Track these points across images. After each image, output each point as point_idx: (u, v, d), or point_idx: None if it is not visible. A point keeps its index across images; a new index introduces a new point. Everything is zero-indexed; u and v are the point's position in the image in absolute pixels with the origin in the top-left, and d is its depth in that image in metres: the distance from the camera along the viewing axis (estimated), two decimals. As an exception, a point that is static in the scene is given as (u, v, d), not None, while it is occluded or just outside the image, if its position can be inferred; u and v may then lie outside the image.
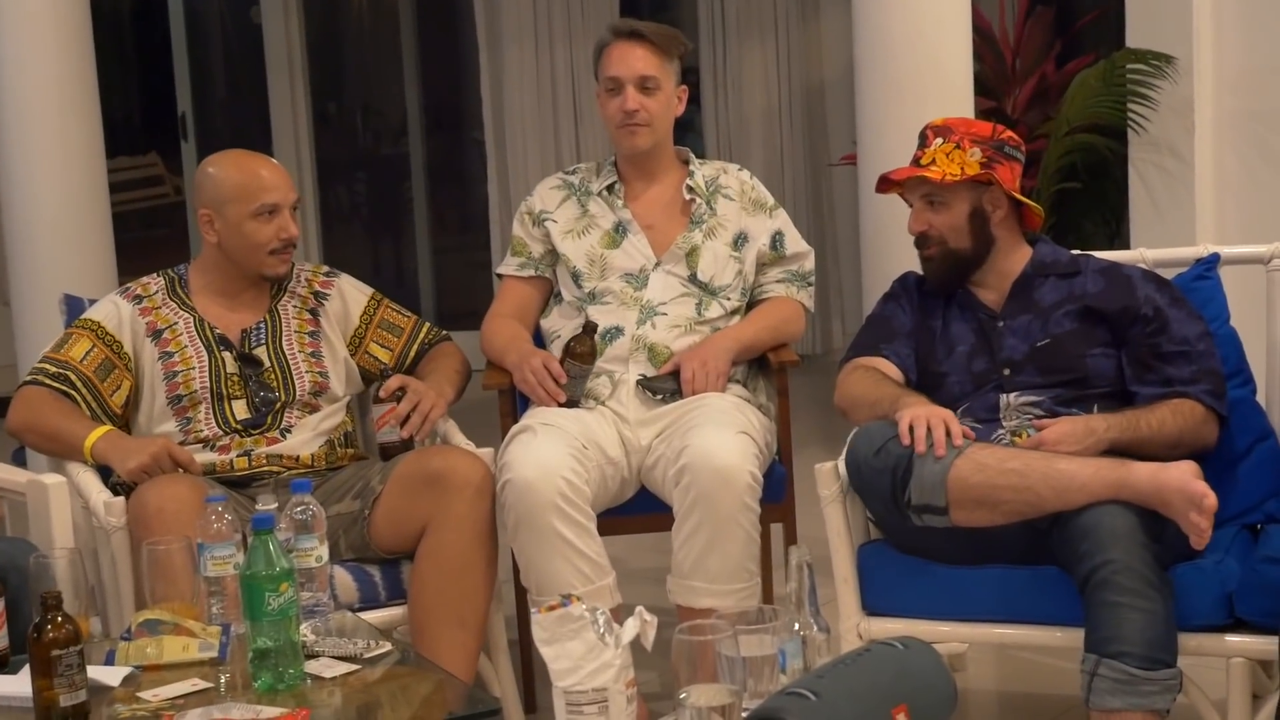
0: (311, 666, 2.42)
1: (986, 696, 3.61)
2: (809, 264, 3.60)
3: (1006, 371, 3.05)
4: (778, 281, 3.57)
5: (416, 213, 7.86)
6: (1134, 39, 4.91)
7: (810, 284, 3.60)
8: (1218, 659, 2.75)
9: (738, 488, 3.11)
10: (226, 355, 3.33)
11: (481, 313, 3.63)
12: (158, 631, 2.49)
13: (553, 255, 3.57)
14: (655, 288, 3.48)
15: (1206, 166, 4.82)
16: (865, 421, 2.98)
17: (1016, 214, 3.16)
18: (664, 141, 3.54)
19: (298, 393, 3.33)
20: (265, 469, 3.26)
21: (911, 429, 2.82)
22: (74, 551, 2.62)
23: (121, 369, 3.31)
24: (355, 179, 8.73)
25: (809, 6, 6.95)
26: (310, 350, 3.39)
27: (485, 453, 3.23)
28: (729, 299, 3.50)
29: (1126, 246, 4.75)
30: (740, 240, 3.53)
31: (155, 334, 3.33)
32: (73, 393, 3.25)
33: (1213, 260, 3.23)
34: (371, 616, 2.96)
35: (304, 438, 3.31)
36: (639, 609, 2.24)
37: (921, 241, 3.15)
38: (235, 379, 3.31)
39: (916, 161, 3.13)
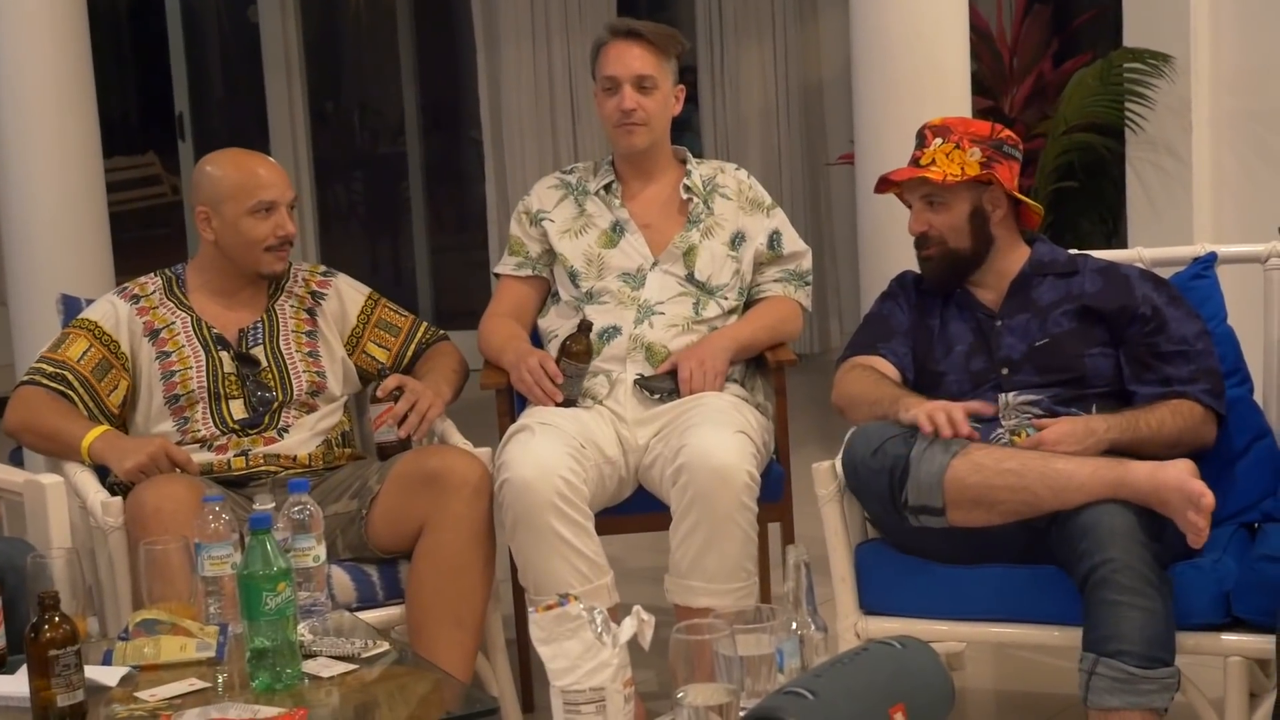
0: (309, 666, 2.42)
1: (984, 696, 3.61)
2: (806, 263, 3.60)
3: (1005, 371, 3.05)
4: (775, 281, 3.57)
5: (414, 212, 7.86)
6: (1131, 38, 4.91)
7: (808, 283, 3.60)
8: (1215, 658, 2.75)
9: (735, 487, 3.11)
10: (224, 355, 3.32)
11: (479, 312, 3.63)
12: (155, 631, 2.49)
13: (550, 255, 3.56)
14: (652, 287, 3.47)
15: (1204, 166, 4.82)
16: (863, 420, 2.98)
17: (1015, 213, 3.16)
18: (661, 141, 3.54)
19: (295, 392, 3.33)
20: (262, 469, 3.25)
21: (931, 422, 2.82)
22: (71, 551, 2.62)
23: (119, 369, 3.31)
24: (353, 178, 8.73)
25: (806, 6, 6.95)
26: (307, 350, 3.39)
27: (483, 452, 3.23)
28: (726, 298, 3.50)
29: (1124, 245, 4.75)
30: (738, 239, 3.53)
31: (152, 334, 3.33)
32: (70, 393, 3.25)
33: (1210, 259, 3.23)
34: (369, 616, 2.96)
35: (301, 437, 3.31)
36: (636, 608, 2.24)
37: (921, 242, 3.15)
38: (232, 379, 3.31)
39: (915, 161, 3.12)
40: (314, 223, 7.65)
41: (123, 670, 2.42)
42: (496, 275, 3.67)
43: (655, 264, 3.49)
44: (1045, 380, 3.02)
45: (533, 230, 3.58)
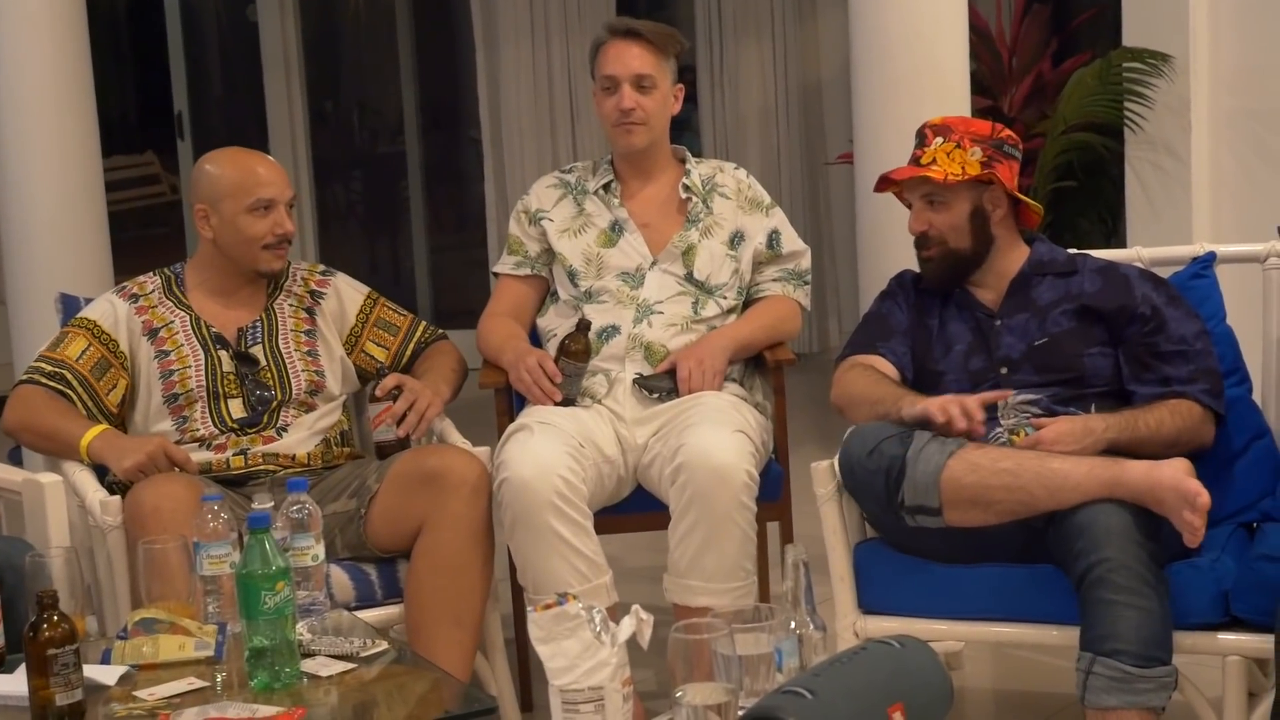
0: (308, 665, 2.42)
1: (983, 695, 3.61)
2: (805, 262, 3.60)
3: (1004, 370, 3.05)
4: (774, 280, 3.57)
5: (413, 211, 7.86)
6: (1130, 38, 4.91)
7: (807, 282, 3.60)
8: (1213, 657, 2.75)
9: (734, 486, 3.11)
10: (223, 354, 3.32)
11: (478, 311, 3.63)
12: (154, 630, 2.49)
13: (549, 254, 3.56)
14: (651, 286, 3.47)
15: (1203, 165, 4.82)
16: (863, 420, 2.98)
17: (1014, 213, 3.16)
18: (660, 140, 3.54)
19: (294, 391, 3.33)
20: (261, 468, 3.25)
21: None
22: (70, 550, 2.62)
23: (117, 368, 3.31)
24: (352, 177, 8.72)
25: (806, 5, 6.94)
26: (306, 349, 3.39)
27: (482, 451, 3.23)
28: (725, 298, 3.50)
29: (1123, 245, 4.75)
30: (736, 239, 3.53)
31: (151, 333, 3.33)
32: (69, 392, 3.25)
33: (1209, 259, 3.23)
34: (368, 615, 2.96)
35: (300, 436, 3.31)
36: (635, 607, 2.24)
37: (922, 241, 3.14)
38: (231, 378, 3.31)
39: (916, 161, 3.12)
40: (313, 222, 7.65)
41: (121, 669, 2.42)
42: (495, 274, 3.67)
43: (654, 263, 3.49)
44: (1044, 380, 3.02)
45: (532, 229, 3.58)
